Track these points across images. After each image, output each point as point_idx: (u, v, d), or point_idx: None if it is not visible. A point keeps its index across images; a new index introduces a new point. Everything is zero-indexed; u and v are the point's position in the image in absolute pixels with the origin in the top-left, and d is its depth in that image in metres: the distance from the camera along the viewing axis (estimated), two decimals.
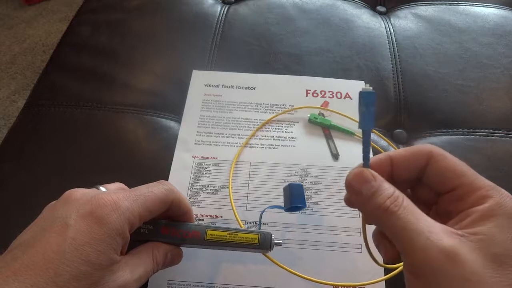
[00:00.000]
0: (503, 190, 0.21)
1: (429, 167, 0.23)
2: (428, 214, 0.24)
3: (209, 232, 0.29)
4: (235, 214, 0.35)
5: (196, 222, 0.33)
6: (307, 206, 0.36)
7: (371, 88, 0.22)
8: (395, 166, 0.23)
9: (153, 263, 0.27)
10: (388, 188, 0.22)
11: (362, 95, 0.22)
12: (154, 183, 0.28)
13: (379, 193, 0.21)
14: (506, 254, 0.19)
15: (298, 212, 0.36)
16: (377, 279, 0.32)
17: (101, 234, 0.22)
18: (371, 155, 0.23)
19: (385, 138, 0.42)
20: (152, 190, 0.26)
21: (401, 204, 0.21)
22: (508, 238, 0.19)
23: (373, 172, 0.22)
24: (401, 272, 0.31)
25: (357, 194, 0.22)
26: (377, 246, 0.25)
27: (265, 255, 0.31)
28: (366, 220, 0.25)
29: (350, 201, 0.24)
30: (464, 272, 0.18)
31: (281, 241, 0.30)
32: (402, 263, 0.23)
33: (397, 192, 0.21)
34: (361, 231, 0.25)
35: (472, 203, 0.21)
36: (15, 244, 0.23)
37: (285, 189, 0.33)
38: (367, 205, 0.22)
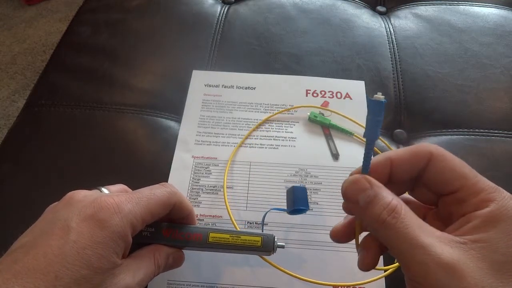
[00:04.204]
0: (505, 192, 0.20)
1: (429, 168, 0.22)
2: (427, 215, 0.24)
3: (211, 234, 0.29)
4: (229, 214, 0.35)
5: (197, 224, 0.33)
6: (310, 208, 0.36)
7: (382, 97, 0.21)
8: (394, 167, 0.23)
9: (155, 266, 0.26)
10: (385, 197, 0.21)
11: (369, 103, 0.21)
12: (156, 185, 0.28)
13: (375, 202, 0.21)
14: (509, 261, 0.18)
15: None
16: (377, 277, 0.32)
17: (102, 237, 0.22)
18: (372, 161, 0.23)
19: (383, 140, 0.42)
20: (154, 193, 0.26)
21: (399, 215, 0.20)
22: (511, 245, 0.18)
23: (370, 178, 0.22)
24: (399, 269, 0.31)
25: (353, 203, 0.22)
26: (360, 250, 0.24)
27: (262, 257, 0.31)
28: (364, 228, 0.24)
29: (348, 209, 0.24)
30: (465, 285, 0.17)
31: (284, 244, 0.29)
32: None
33: (395, 200, 0.21)
34: (356, 236, 0.24)
35: (474, 206, 0.20)
36: (16, 246, 0.23)
37: (288, 191, 0.32)
38: (364, 215, 0.21)
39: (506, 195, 0.20)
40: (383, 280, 0.33)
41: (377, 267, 0.32)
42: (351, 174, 0.23)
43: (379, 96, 0.21)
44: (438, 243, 0.19)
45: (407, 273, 0.19)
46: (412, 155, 0.22)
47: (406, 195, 0.26)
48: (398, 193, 0.25)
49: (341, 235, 0.25)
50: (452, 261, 0.18)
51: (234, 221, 0.35)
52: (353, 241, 0.29)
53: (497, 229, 0.19)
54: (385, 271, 0.33)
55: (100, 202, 0.23)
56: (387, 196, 0.21)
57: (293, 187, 0.32)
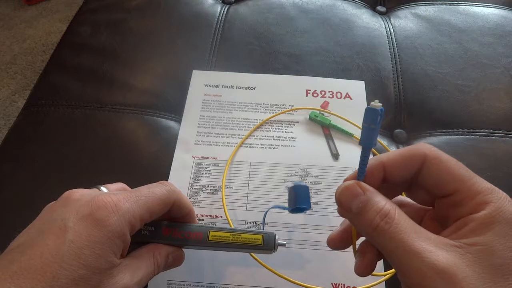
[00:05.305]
0: (501, 193, 0.20)
1: (424, 170, 0.22)
2: (423, 217, 0.24)
3: (211, 233, 0.28)
4: (226, 214, 0.35)
5: (198, 223, 0.32)
6: (311, 207, 0.36)
7: (380, 104, 0.20)
8: (387, 171, 0.22)
9: (154, 265, 0.26)
10: (378, 202, 0.20)
11: (366, 111, 0.20)
12: (155, 183, 0.27)
13: (368, 207, 0.20)
14: (506, 263, 0.18)
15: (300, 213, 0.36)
16: (377, 281, 0.32)
17: (100, 237, 0.22)
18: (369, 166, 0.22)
19: (381, 142, 0.42)
20: (153, 191, 0.26)
21: (393, 221, 0.19)
22: (508, 247, 0.18)
23: (363, 184, 0.21)
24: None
25: (346, 210, 0.22)
26: (357, 256, 0.23)
27: (253, 256, 0.31)
28: (359, 234, 0.24)
29: (343, 214, 0.24)
30: None
31: (285, 242, 0.29)
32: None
33: (388, 205, 0.20)
34: (353, 243, 0.24)
35: (471, 209, 0.20)
36: (12, 246, 0.22)
37: (290, 189, 0.32)
38: (357, 221, 0.21)
39: (502, 195, 0.20)
40: (383, 285, 0.32)
41: (377, 272, 0.32)
42: (344, 180, 0.23)
43: (376, 103, 0.20)
44: (434, 248, 0.18)
45: (402, 279, 0.19)
46: (405, 157, 0.22)
47: (402, 197, 0.25)
48: (394, 194, 0.25)
49: (338, 243, 0.25)
50: (447, 266, 0.18)
51: (230, 221, 0.35)
52: None
53: (493, 231, 0.18)
54: (385, 269, 0.33)
55: (97, 201, 0.23)
56: (380, 201, 0.21)
57: (294, 185, 0.32)
